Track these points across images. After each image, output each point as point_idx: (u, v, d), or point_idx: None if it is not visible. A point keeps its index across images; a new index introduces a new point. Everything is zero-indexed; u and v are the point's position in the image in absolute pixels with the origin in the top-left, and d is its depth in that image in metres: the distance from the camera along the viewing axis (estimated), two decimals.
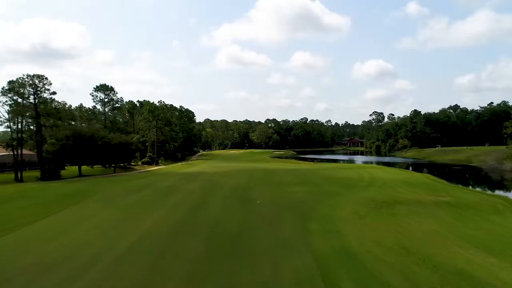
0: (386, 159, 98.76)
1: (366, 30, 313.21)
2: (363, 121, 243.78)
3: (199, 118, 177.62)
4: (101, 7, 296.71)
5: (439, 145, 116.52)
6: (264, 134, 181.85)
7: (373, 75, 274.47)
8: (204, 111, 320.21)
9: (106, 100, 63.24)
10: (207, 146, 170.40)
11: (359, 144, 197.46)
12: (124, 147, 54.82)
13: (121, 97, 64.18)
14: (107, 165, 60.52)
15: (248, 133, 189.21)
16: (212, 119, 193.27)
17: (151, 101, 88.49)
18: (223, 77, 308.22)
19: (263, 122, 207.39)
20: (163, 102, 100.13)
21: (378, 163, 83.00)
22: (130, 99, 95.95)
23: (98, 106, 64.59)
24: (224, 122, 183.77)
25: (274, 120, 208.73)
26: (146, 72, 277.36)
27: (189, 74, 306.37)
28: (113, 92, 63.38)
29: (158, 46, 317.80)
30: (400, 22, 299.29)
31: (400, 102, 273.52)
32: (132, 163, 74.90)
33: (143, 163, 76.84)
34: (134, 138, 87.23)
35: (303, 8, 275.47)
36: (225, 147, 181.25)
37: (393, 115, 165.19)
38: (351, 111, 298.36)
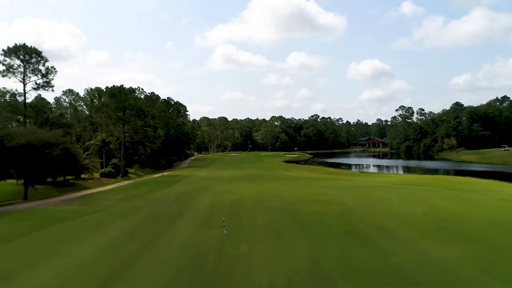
0: (443, 164, 73.16)
1: (362, 30, 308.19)
2: (377, 119, 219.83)
3: (196, 118, 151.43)
4: (95, 8, 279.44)
5: (506, 146, 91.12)
6: (270, 134, 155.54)
7: (370, 75, 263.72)
8: (202, 112, 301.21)
9: (27, 71, 36.89)
10: (203, 148, 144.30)
11: (380, 144, 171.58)
12: (38, 152, 28.70)
13: (53, 67, 37.77)
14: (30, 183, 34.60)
15: (251, 132, 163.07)
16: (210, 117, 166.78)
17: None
18: (219, 78, 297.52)
19: (267, 120, 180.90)
20: (142, 89, 74.29)
21: (449, 171, 57.39)
22: (98, 86, 69.86)
23: (15, 82, 37.73)
24: (223, 119, 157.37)
25: (280, 118, 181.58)
26: (141, 73, 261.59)
27: (185, 75, 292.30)
28: (38, 57, 36.85)
29: (153, 47, 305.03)
30: (395, 21, 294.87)
31: (397, 102, 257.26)
32: (85, 176, 48.84)
33: (103, 175, 50.69)
34: (98, 138, 61.31)
35: (297, 8, 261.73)
36: (224, 148, 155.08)
37: (423, 109, 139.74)
38: (348, 111, 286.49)
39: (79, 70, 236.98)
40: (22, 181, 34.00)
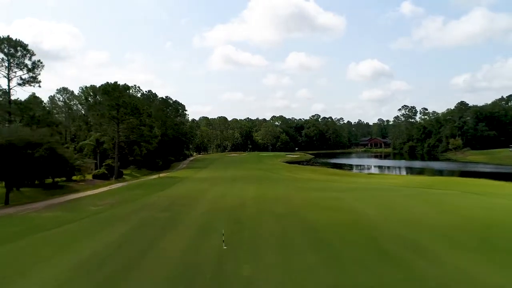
0: (450, 165, 70.70)
1: (361, 30, 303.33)
2: (378, 119, 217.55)
3: (195, 118, 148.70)
4: (94, 8, 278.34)
5: None
6: (271, 134, 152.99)
7: (369, 75, 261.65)
8: (201, 112, 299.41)
9: (12, 65, 34.26)
10: (202, 148, 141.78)
11: (382, 144, 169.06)
12: (19, 152, 26.17)
13: (40, 60, 35.22)
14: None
15: (251, 132, 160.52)
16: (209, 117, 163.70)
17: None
18: (218, 78, 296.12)
19: (268, 120, 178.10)
20: (138, 87, 71.74)
21: (459, 172, 54.88)
22: (93, 84, 67.30)
23: None
24: (223, 119, 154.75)
25: (281, 117, 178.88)
26: (141, 73, 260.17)
27: (184, 75, 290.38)
28: (24, 51, 34.23)
29: (152, 47, 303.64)
30: (395, 21, 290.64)
31: (397, 102, 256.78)
32: (76, 178, 46.31)
33: (96, 176, 48.18)
34: (91, 137, 58.82)
35: (297, 8, 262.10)
36: (224, 149, 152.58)
37: (426, 109, 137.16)
38: (348, 111, 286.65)
39: (78, 71, 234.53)
40: (3, 183, 31.57)
